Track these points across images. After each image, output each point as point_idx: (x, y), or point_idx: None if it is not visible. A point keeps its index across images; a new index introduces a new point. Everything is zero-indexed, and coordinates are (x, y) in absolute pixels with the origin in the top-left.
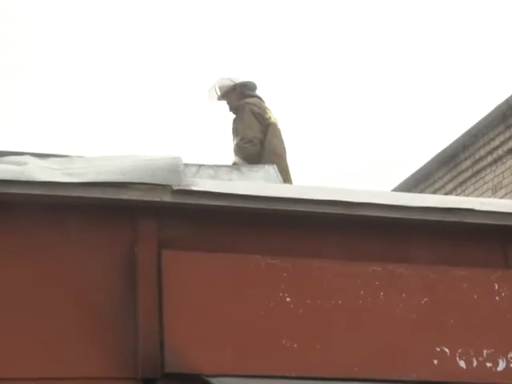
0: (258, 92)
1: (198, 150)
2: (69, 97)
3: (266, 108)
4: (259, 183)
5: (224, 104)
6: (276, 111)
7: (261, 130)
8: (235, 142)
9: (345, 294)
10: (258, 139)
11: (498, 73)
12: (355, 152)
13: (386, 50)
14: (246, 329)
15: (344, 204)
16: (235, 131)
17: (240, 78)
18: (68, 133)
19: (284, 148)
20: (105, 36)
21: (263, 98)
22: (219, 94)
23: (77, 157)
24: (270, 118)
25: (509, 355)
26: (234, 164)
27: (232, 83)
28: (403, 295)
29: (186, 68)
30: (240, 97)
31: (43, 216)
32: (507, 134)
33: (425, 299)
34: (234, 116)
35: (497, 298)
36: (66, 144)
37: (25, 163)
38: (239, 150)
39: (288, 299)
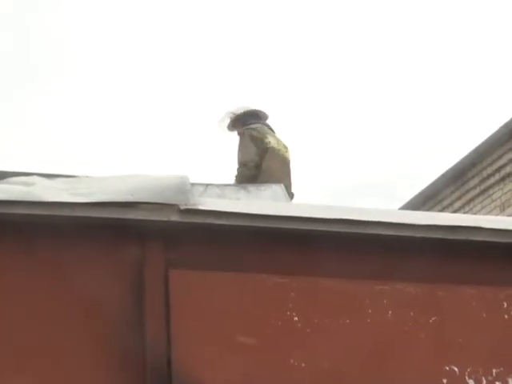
0: (271, 121)
1: (205, 169)
2: (76, 116)
3: (268, 134)
4: (267, 202)
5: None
6: (287, 139)
7: (257, 153)
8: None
9: (353, 312)
10: (253, 162)
11: (505, 91)
12: (363, 168)
13: (395, 66)
14: (253, 347)
15: (351, 222)
16: (236, 158)
17: (249, 107)
18: (75, 153)
19: (286, 173)
20: (112, 54)
21: (271, 127)
22: (227, 128)
23: (84, 177)
24: (269, 142)
25: None
26: None
27: (233, 115)
28: (412, 313)
29: (193, 88)
30: (243, 125)
31: (50, 236)
32: None
33: (433, 318)
34: None
35: (506, 316)
36: (73, 164)
37: (32, 183)
38: (236, 174)
39: (296, 318)
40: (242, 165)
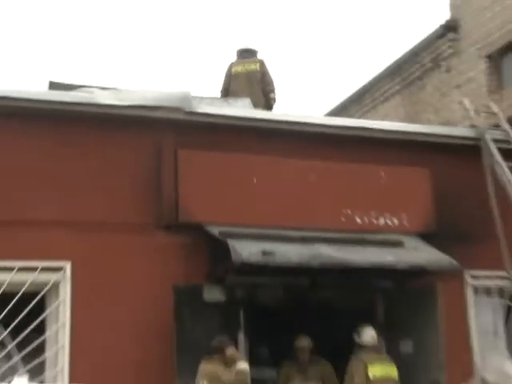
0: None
1: (199, 85)
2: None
3: (235, 64)
4: (240, 109)
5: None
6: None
7: (227, 82)
8: None
9: (291, 178)
10: (222, 91)
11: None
12: (306, 70)
13: None
14: (233, 199)
15: (299, 124)
16: None
17: (246, 46)
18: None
19: (253, 85)
20: None
21: (252, 54)
22: None
23: (124, 89)
24: (231, 71)
25: (385, 215)
26: None
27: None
28: (329, 180)
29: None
30: None
31: (103, 128)
32: (396, 87)
33: (342, 182)
34: None
35: (382, 182)
36: (112, 78)
37: (92, 92)
38: None
39: (255, 180)
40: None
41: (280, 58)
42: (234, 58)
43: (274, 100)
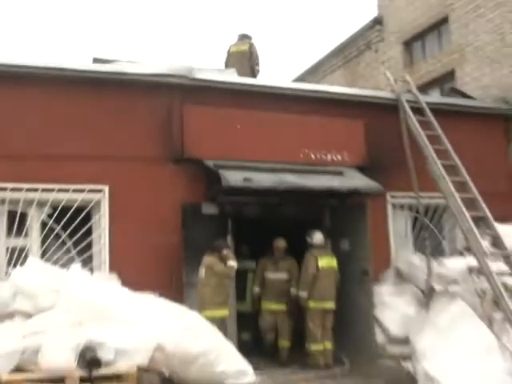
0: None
1: (196, 57)
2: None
3: (233, 45)
4: (228, 76)
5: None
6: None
7: (226, 59)
8: None
9: (265, 126)
10: (224, 67)
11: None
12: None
13: None
14: (223, 140)
15: (271, 87)
16: None
17: (243, 32)
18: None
19: (243, 62)
20: None
21: (247, 37)
22: None
23: (146, 63)
24: (229, 51)
25: (332, 152)
26: None
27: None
28: (292, 127)
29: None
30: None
31: (131, 90)
32: (340, 63)
33: (301, 129)
34: None
35: (329, 129)
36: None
37: (121, 64)
38: None
39: (239, 127)
40: None
41: (262, 39)
42: (232, 38)
43: (258, 71)
